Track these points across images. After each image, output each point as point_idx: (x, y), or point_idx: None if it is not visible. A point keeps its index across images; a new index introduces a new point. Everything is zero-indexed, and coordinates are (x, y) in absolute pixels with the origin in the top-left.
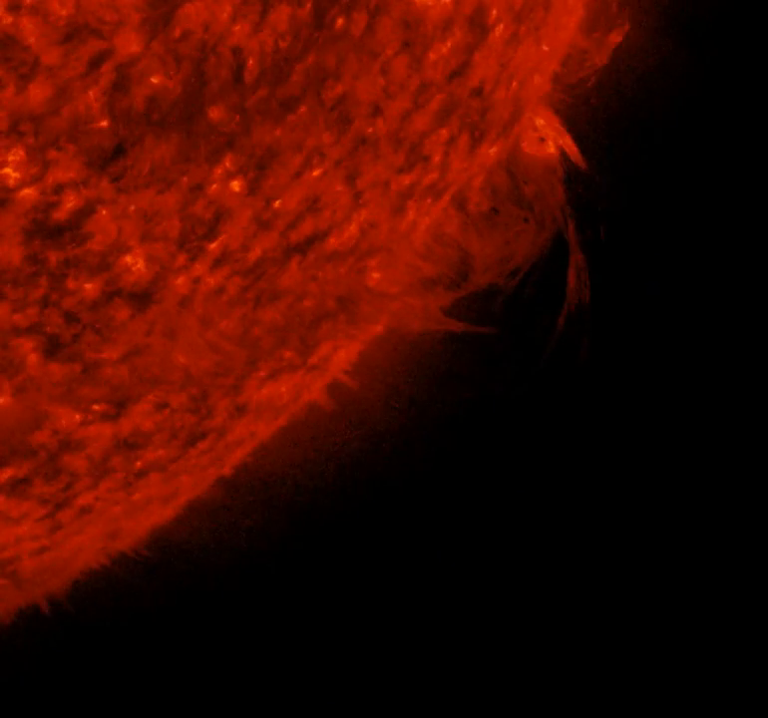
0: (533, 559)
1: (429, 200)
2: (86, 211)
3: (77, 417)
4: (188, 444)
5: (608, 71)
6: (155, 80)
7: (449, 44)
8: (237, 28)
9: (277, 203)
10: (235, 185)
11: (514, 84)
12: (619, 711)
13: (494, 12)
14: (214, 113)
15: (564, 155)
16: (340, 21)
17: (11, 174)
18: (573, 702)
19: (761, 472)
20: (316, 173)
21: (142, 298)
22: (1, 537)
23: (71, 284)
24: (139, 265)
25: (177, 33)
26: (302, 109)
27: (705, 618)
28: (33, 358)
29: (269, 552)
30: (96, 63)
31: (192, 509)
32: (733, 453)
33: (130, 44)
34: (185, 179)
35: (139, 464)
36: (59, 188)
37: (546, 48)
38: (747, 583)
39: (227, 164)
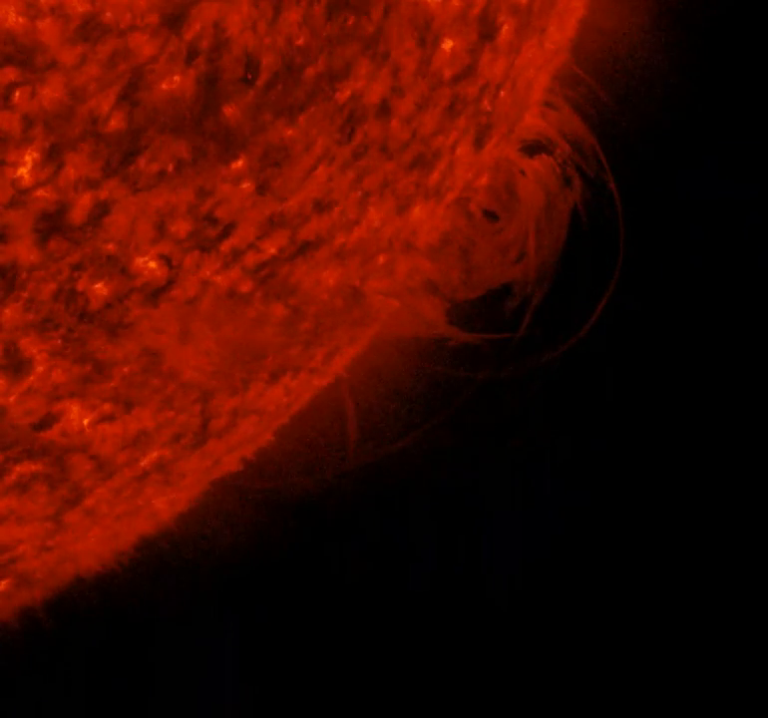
0: (532, 559)
1: (434, 200)
2: (99, 212)
3: (86, 417)
4: (191, 444)
5: (609, 70)
6: (169, 80)
7: (457, 44)
8: (250, 28)
9: (288, 203)
10: (247, 185)
11: (519, 84)
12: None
13: (501, 13)
14: (227, 112)
15: (565, 155)
16: (352, 21)
17: (25, 174)
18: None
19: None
20: (326, 172)
21: (153, 299)
22: (7, 536)
23: (83, 284)
24: (151, 266)
25: (191, 33)
26: (313, 108)
27: (704, 619)
28: (43, 357)
29: (270, 553)
30: (112, 63)
31: (192, 509)
32: (733, 456)
33: (145, 44)
34: (197, 179)
35: (143, 464)
36: (73, 189)
37: (549, 48)
38: (747, 585)
39: (240, 163)
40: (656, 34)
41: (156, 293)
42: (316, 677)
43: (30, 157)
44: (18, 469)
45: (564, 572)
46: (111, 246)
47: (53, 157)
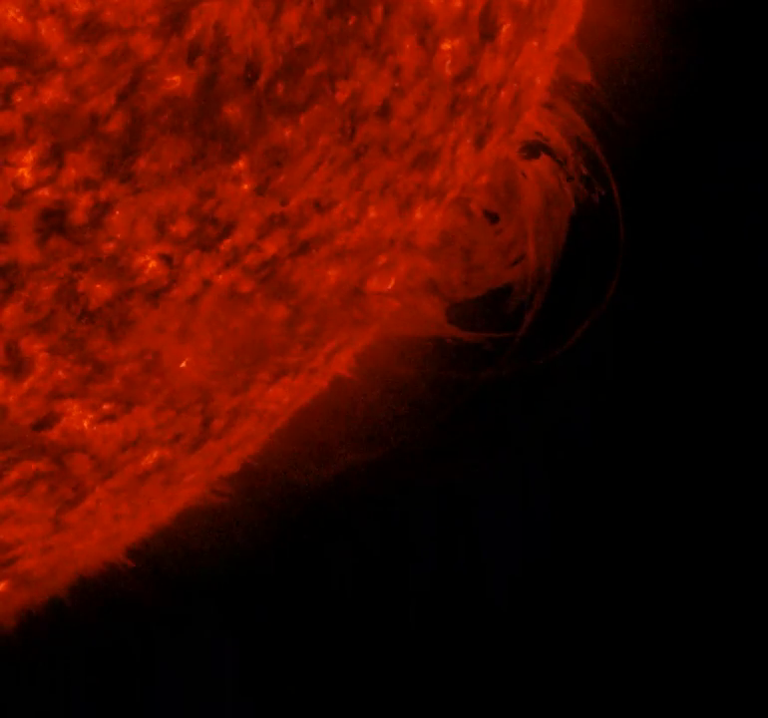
0: (532, 559)
1: (435, 200)
2: (100, 212)
3: (86, 417)
4: (191, 444)
5: (609, 70)
6: (170, 80)
7: (458, 44)
8: (251, 28)
9: (288, 203)
10: (247, 186)
11: (518, 85)
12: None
13: (501, 13)
14: (228, 112)
15: (565, 155)
16: (352, 21)
17: (26, 174)
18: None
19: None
20: (327, 172)
21: (154, 298)
22: (8, 536)
23: (84, 284)
24: (151, 265)
25: (191, 33)
26: (314, 108)
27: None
28: (44, 357)
29: (269, 553)
30: (113, 63)
31: (192, 509)
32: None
33: (146, 44)
34: (198, 179)
35: (144, 464)
36: (73, 189)
37: (549, 48)
38: (746, 586)
39: (240, 163)
40: (656, 34)
41: (156, 293)
42: (316, 676)
43: (31, 157)
44: (18, 469)
45: (563, 572)
46: (111, 246)
47: (54, 157)
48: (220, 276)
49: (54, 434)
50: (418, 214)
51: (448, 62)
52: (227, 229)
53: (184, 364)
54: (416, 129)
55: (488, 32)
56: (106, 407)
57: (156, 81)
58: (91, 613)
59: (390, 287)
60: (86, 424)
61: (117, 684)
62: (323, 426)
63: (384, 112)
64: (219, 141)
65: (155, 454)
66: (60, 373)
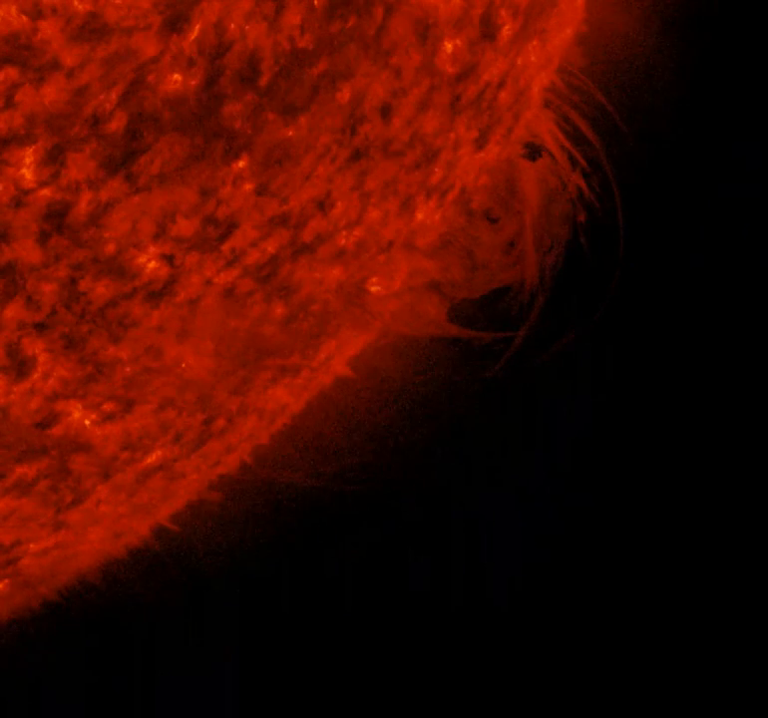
0: (532, 561)
1: (435, 200)
2: (101, 212)
3: (87, 417)
4: (192, 444)
5: (609, 70)
6: (171, 80)
7: (459, 44)
8: (252, 28)
9: (289, 203)
10: (248, 186)
11: (519, 84)
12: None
13: (502, 13)
14: (229, 112)
15: (565, 155)
16: (353, 21)
17: (27, 174)
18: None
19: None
20: (327, 172)
21: (154, 298)
22: (8, 536)
23: (85, 284)
24: (152, 265)
25: (192, 33)
26: (315, 108)
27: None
28: (45, 357)
29: (268, 552)
30: (114, 63)
31: (192, 509)
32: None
33: (147, 44)
34: (199, 178)
35: (144, 464)
36: (74, 189)
37: (549, 49)
38: (746, 588)
39: (241, 163)
40: (656, 35)
41: (157, 293)
42: (316, 676)
43: (32, 156)
44: (19, 469)
45: (563, 573)
46: (112, 246)
47: (54, 157)
48: (221, 276)
49: (55, 433)
50: (418, 215)
51: (449, 62)
52: (228, 229)
53: (184, 364)
54: (416, 129)
55: (489, 32)
56: (106, 407)
57: (157, 81)
58: (91, 613)
59: (390, 289)
60: (87, 424)
61: (117, 684)
62: (323, 426)
63: (385, 112)
64: (220, 140)
65: (155, 454)
66: (61, 373)
